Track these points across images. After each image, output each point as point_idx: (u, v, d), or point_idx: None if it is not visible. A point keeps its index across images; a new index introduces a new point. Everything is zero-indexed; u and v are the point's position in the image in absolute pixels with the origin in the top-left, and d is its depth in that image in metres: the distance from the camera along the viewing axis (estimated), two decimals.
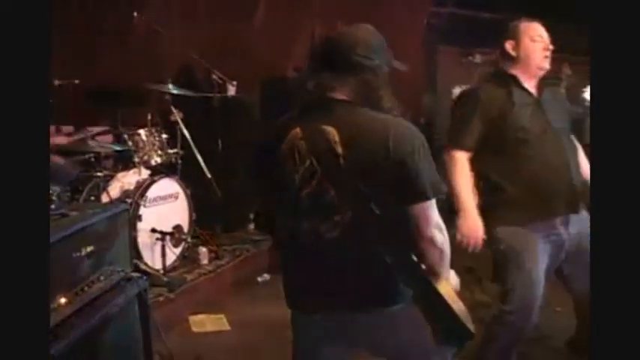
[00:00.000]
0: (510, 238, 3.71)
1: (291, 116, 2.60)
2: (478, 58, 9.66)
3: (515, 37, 3.83)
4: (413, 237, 2.46)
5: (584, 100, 11.02)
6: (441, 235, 2.48)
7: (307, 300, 2.62)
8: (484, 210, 3.73)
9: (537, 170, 3.69)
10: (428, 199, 2.41)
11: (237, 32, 7.58)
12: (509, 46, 3.83)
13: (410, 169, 2.37)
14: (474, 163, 3.77)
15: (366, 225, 2.41)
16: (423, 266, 2.46)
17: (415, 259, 2.45)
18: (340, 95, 2.49)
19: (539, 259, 3.74)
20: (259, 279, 6.51)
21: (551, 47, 3.83)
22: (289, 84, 7.46)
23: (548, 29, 3.89)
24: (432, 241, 2.46)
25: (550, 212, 3.75)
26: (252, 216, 7.49)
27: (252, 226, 7.46)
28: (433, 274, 2.48)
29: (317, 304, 2.58)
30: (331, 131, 2.42)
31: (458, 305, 2.50)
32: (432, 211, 2.45)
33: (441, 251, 2.50)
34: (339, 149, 2.40)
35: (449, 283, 2.56)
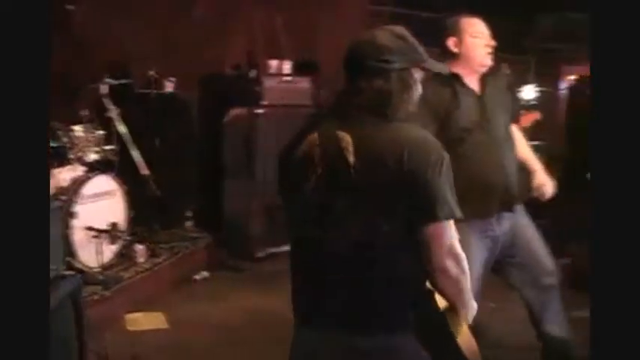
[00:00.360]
0: None
1: (313, 121, 2.48)
2: None
3: (456, 33, 3.79)
4: (425, 263, 2.32)
5: (520, 99, 11.21)
6: (455, 266, 2.32)
7: (309, 313, 2.46)
8: None
9: (476, 170, 3.69)
10: (438, 219, 2.26)
11: (175, 28, 7.52)
12: (451, 43, 3.79)
13: (423, 185, 2.22)
14: None
15: (374, 242, 2.28)
16: (439, 297, 2.38)
17: (430, 287, 2.38)
18: (360, 102, 2.34)
19: (474, 256, 3.77)
20: (197, 277, 6.48)
21: (492, 43, 3.82)
22: (227, 81, 7.44)
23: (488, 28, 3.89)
24: (444, 271, 2.31)
25: (487, 212, 3.78)
26: (190, 213, 7.43)
27: (190, 223, 7.41)
28: (449, 307, 2.39)
29: (318, 318, 2.41)
30: (345, 138, 2.29)
31: (469, 345, 2.41)
32: (445, 235, 2.30)
33: (457, 283, 2.34)
34: (351, 158, 2.26)
35: (465, 320, 2.42)
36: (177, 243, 6.81)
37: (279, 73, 7.29)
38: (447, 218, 2.29)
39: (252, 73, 7.24)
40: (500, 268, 4.03)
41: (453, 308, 2.40)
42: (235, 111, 7.18)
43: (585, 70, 8.52)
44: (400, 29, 2.41)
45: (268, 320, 5.32)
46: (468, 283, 2.38)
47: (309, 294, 2.45)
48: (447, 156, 2.28)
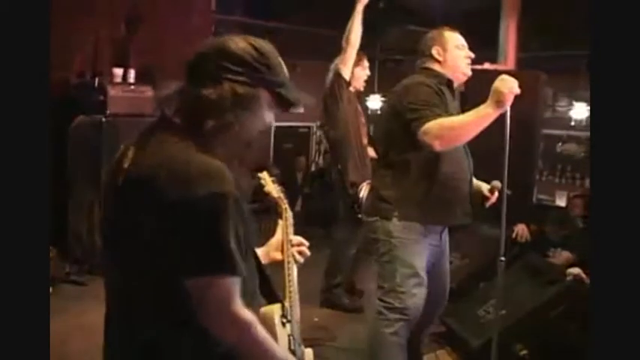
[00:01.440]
0: (404, 234, 3.76)
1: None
2: None
3: (441, 43, 3.90)
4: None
5: (366, 107, 11.46)
6: (236, 332, 1.89)
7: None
8: (390, 200, 3.78)
9: (447, 177, 3.76)
10: (198, 273, 1.82)
11: None
12: (435, 51, 3.88)
13: (184, 226, 1.79)
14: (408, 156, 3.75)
15: (144, 282, 1.90)
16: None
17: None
18: (174, 116, 1.99)
19: (422, 260, 3.83)
20: None
21: (472, 55, 3.92)
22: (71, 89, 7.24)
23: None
24: (221, 335, 1.88)
25: (450, 220, 3.88)
26: None
27: None
28: None
29: None
30: (127, 153, 1.96)
31: None
32: (210, 294, 1.83)
33: (245, 351, 1.93)
34: (120, 177, 1.93)
35: None
36: None
37: (124, 82, 7.16)
38: (213, 274, 1.83)
39: (97, 82, 7.06)
40: None
41: None
42: (80, 119, 6.98)
43: None
44: (266, 44, 2.07)
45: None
46: (267, 354, 1.96)
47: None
48: (229, 195, 1.84)
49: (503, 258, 3.54)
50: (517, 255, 5.52)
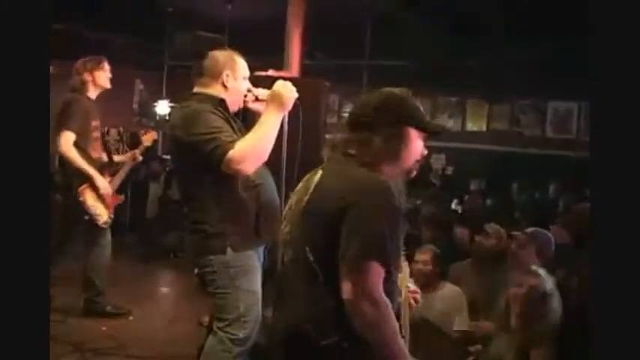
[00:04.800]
0: (241, 261, 3.60)
1: None
2: (51, 69, 9.46)
3: (232, 70, 3.74)
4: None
5: (155, 113, 11.41)
6: (372, 310, 2.19)
7: None
8: (219, 235, 3.56)
9: (260, 192, 3.62)
10: (345, 260, 2.22)
11: None
12: (225, 76, 3.69)
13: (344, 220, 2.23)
14: (219, 186, 3.55)
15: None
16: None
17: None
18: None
19: (259, 281, 3.70)
20: None
21: (252, 89, 3.77)
22: None
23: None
24: (357, 313, 2.20)
25: (272, 236, 3.54)
26: None
27: None
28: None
29: None
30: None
31: None
32: (362, 273, 2.19)
33: (376, 329, 2.22)
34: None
35: None
36: None
37: None
38: (370, 258, 2.20)
39: None
40: None
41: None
42: None
43: None
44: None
45: None
46: (395, 337, 2.26)
47: None
48: (375, 197, 2.26)
49: None
50: None
